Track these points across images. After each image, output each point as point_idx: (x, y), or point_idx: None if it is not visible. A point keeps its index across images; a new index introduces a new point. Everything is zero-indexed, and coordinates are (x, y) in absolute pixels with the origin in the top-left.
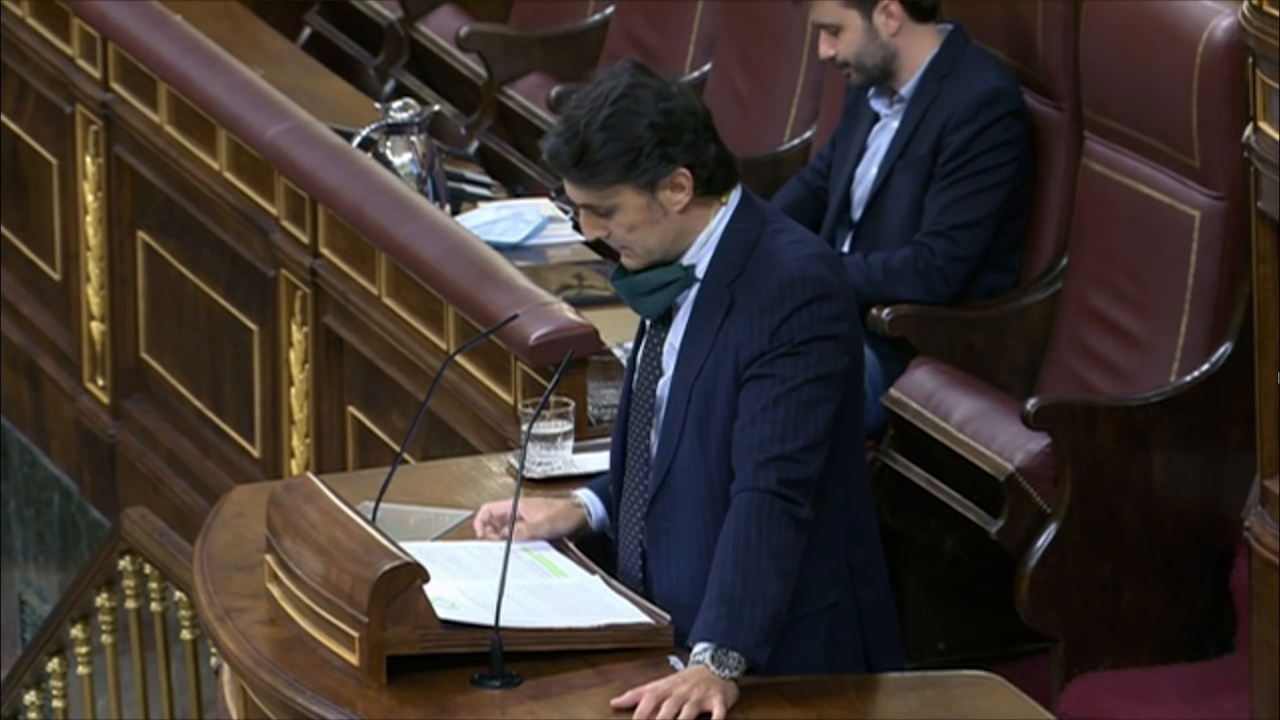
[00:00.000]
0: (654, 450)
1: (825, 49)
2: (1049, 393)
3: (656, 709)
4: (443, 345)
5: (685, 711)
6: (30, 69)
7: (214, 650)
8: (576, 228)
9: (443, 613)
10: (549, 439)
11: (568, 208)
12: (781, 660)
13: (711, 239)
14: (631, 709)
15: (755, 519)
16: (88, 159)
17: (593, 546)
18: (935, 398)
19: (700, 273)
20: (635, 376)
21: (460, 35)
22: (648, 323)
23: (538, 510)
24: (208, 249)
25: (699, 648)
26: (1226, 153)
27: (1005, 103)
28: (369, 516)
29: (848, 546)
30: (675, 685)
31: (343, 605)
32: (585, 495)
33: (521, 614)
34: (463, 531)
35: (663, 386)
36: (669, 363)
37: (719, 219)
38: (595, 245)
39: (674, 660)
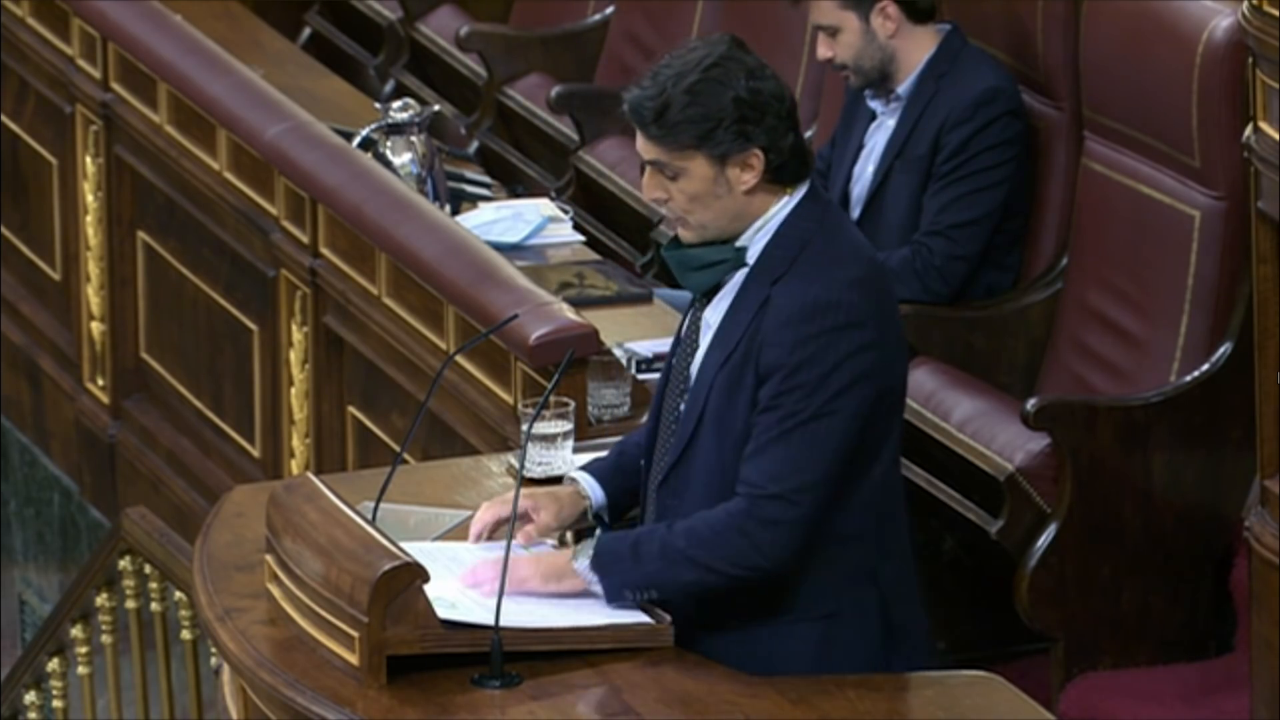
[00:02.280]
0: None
1: (823, 50)
2: (1049, 393)
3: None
4: (443, 345)
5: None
6: (30, 69)
7: (214, 650)
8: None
9: (443, 613)
10: (549, 439)
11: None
12: (760, 660)
13: (769, 226)
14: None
15: (719, 537)
16: (88, 159)
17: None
18: (935, 398)
19: (751, 258)
20: (676, 351)
21: (460, 35)
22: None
23: (546, 511)
24: (208, 249)
25: (588, 543)
26: (1226, 153)
27: (1003, 102)
28: (369, 516)
29: (877, 563)
30: (532, 569)
31: (343, 605)
32: (586, 482)
33: (521, 614)
34: (462, 531)
35: (696, 364)
36: (704, 340)
37: (780, 207)
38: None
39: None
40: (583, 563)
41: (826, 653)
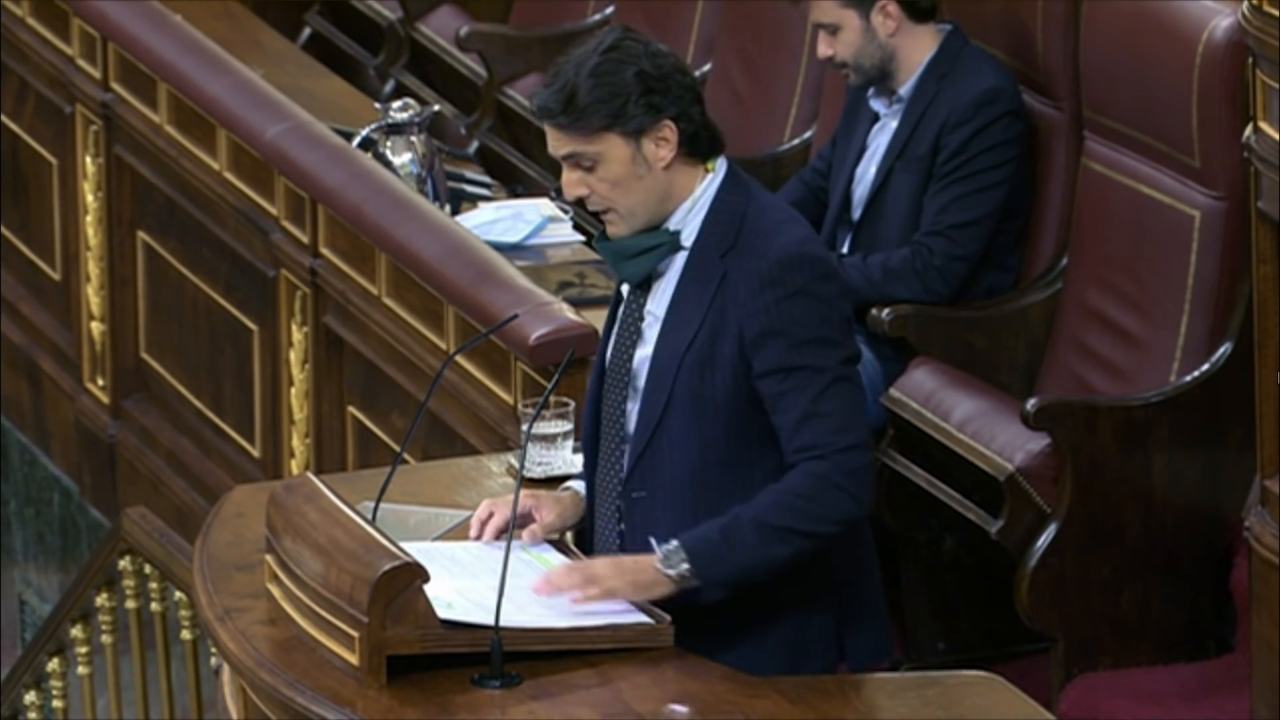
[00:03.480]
0: (631, 421)
1: (823, 49)
2: (1049, 393)
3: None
4: (443, 345)
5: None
6: (30, 69)
7: (214, 650)
8: (577, 227)
9: (440, 613)
10: (549, 439)
11: (568, 207)
12: (751, 655)
13: (699, 206)
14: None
15: (813, 502)
16: (88, 159)
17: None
18: (935, 398)
19: (687, 240)
20: (610, 348)
21: (460, 35)
22: (624, 291)
23: (548, 510)
24: (208, 249)
25: (675, 548)
26: (1226, 153)
27: (1003, 102)
28: (369, 516)
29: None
30: (619, 579)
31: (343, 605)
32: (582, 489)
33: (519, 615)
34: (462, 531)
35: (640, 358)
36: (650, 332)
37: (706, 186)
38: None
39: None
40: (681, 569)
41: (799, 630)
